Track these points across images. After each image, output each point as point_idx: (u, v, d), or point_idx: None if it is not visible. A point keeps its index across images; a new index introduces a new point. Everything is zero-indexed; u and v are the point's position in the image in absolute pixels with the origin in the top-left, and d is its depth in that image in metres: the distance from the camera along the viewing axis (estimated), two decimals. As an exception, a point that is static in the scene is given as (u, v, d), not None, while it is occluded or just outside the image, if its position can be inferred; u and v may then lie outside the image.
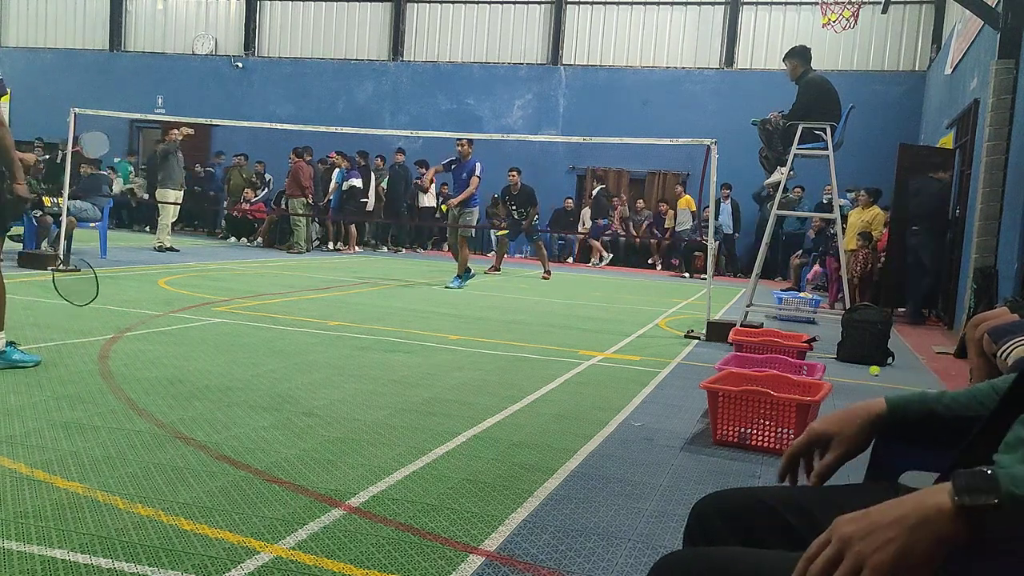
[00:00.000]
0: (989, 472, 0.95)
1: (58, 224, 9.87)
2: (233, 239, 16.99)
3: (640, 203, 17.79)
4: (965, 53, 11.25)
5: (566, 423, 4.10)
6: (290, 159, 15.86)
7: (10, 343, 4.48)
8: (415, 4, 19.72)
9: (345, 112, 19.32)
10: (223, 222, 17.86)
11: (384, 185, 16.92)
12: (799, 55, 7.72)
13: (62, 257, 9.35)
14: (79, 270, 9.24)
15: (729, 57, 17.89)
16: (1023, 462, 1.09)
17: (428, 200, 16.96)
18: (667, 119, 17.02)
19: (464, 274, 10.77)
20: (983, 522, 0.94)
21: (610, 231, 17.37)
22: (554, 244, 18.09)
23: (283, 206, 16.06)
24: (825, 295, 12.01)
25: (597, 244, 17.30)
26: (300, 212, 15.13)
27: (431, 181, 14.08)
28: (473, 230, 12.52)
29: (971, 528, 0.94)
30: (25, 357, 4.49)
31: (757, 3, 17.81)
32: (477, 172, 10.86)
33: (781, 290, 10.88)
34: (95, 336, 5.56)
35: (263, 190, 17.26)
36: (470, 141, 11.03)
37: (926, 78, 16.53)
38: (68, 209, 9.72)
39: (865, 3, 14.71)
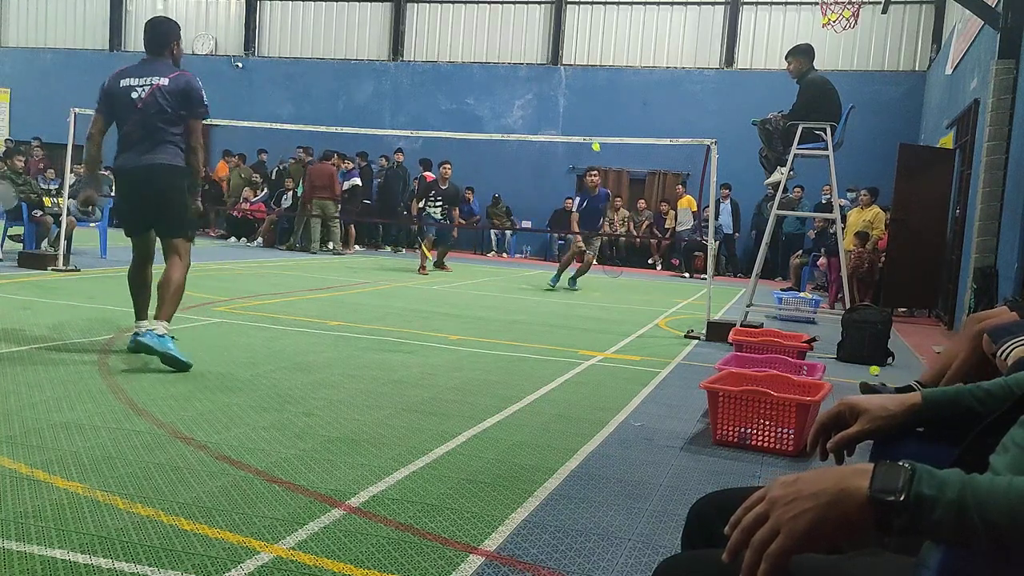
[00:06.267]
0: (908, 466, 0.96)
1: (58, 224, 9.87)
2: (233, 239, 17.00)
3: (641, 203, 17.80)
4: (965, 53, 11.25)
5: (566, 423, 4.10)
6: (309, 160, 15.95)
7: (172, 336, 4.74)
8: (415, 4, 19.73)
9: (345, 112, 19.33)
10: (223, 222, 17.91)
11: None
12: (804, 53, 7.70)
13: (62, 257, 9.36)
14: (78, 270, 9.27)
15: (729, 57, 17.90)
16: (1012, 466, 1.09)
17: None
18: (667, 119, 17.03)
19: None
20: (889, 516, 0.94)
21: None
22: (554, 244, 18.11)
23: (297, 208, 16.02)
24: (825, 295, 12.01)
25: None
26: (336, 215, 15.22)
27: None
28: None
29: (878, 518, 0.95)
30: (180, 354, 4.67)
31: (757, 3, 17.82)
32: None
33: (781, 290, 10.88)
34: (95, 336, 5.56)
35: (263, 190, 17.26)
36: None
37: (926, 78, 16.53)
38: (68, 209, 9.73)
39: (865, 3, 14.71)
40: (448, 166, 12.78)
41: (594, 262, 11.51)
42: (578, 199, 11.50)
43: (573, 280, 11.46)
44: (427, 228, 13.11)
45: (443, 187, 12.70)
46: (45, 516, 2.52)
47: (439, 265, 13.28)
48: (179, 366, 4.65)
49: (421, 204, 12.90)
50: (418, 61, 19.72)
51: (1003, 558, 0.93)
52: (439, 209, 12.69)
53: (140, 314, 5.11)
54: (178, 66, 5.07)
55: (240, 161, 17.83)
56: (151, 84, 4.86)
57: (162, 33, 5.06)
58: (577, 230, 11.10)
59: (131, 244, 5.15)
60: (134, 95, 4.86)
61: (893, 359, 6.76)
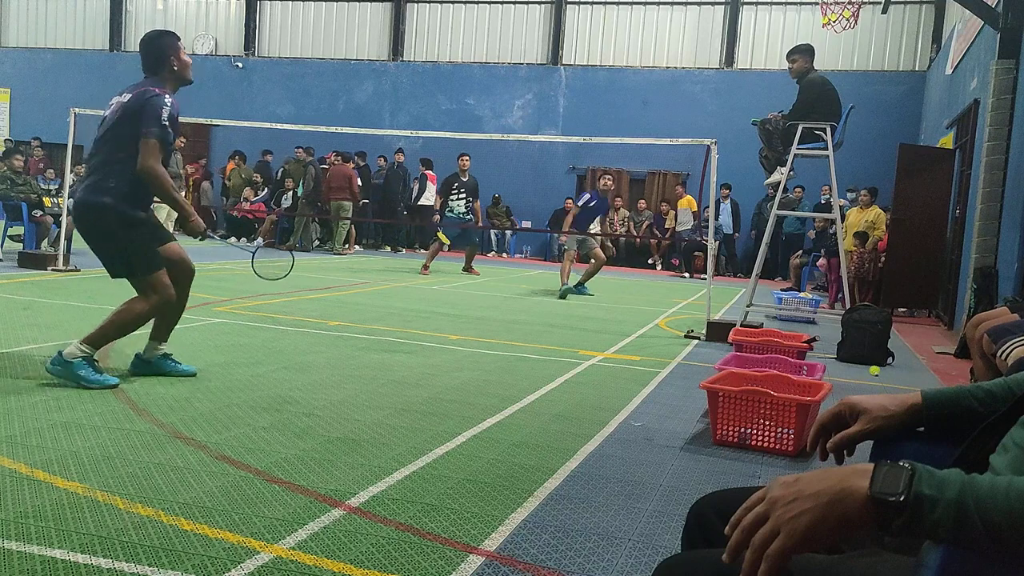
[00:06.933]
0: (908, 466, 0.96)
1: (58, 224, 9.87)
2: (233, 239, 16.99)
3: (641, 203, 17.80)
4: (965, 53, 11.25)
5: (566, 423, 4.10)
6: (310, 160, 15.96)
7: (87, 358, 4.16)
8: (415, 4, 19.72)
9: (345, 112, 19.33)
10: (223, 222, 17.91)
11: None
12: (806, 52, 7.70)
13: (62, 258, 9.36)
14: (78, 270, 9.27)
15: (729, 57, 17.89)
16: (1012, 466, 1.09)
17: (427, 199, 16.92)
18: (667, 119, 17.03)
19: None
20: (889, 516, 0.95)
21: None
22: (554, 245, 18.10)
23: (297, 208, 16.03)
24: (825, 295, 12.01)
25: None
26: (348, 216, 15.26)
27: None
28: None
29: (878, 518, 0.96)
30: (94, 377, 4.14)
31: (757, 3, 17.82)
32: None
33: (781, 290, 10.88)
34: (95, 336, 5.55)
35: (263, 190, 17.26)
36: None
37: (926, 78, 16.53)
38: (68, 209, 9.73)
39: (865, 3, 14.71)
40: (467, 158, 12.59)
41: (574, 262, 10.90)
42: (587, 195, 10.82)
43: (581, 285, 10.74)
44: (448, 230, 12.67)
45: (464, 179, 12.49)
46: (45, 516, 2.52)
47: (467, 269, 12.90)
48: (101, 387, 4.13)
49: (443, 201, 12.66)
50: (418, 61, 19.72)
51: (1003, 558, 0.93)
52: (463, 202, 12.43)
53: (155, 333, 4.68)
54: (183, 82, 4.55)
55: (240, 161, 17.83)
56: (116, 102, 4.37)
57: (156, 48, 4.46)
58: (570, 227, 10.63)
59: None
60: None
61: (893, 359, 6.76)
